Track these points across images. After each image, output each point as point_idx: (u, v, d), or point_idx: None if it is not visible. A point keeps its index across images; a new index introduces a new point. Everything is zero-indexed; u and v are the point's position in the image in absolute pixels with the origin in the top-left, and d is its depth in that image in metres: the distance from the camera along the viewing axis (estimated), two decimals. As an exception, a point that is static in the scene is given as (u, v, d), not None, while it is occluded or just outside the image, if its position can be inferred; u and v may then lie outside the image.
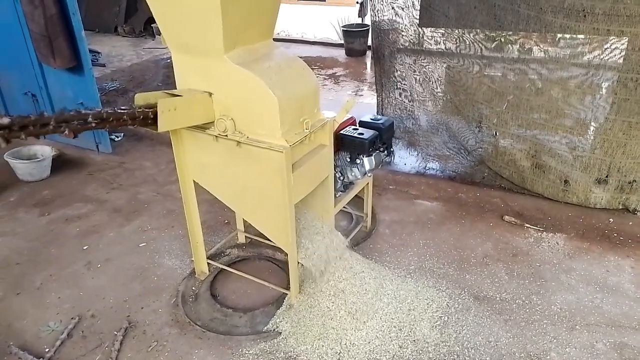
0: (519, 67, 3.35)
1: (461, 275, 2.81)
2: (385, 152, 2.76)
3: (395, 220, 3.37)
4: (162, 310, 2.58)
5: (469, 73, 3.53)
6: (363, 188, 3.04)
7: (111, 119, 1.79)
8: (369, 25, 6.39)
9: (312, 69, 2.30)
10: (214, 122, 2.18)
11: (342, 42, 8.56)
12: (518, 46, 3.35)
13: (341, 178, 2.67)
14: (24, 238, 3.26)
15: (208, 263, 2.80)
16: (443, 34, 3.61)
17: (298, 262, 2.43)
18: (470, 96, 3.58)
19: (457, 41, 3.53)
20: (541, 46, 3.25)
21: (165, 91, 2.09)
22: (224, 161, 2.27)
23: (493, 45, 3.42)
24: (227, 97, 2.12)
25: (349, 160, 2.61)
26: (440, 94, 3.76)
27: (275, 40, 2.36)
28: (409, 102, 3.94)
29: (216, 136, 2.20)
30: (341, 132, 2.57)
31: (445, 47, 3.62)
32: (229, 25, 1.94)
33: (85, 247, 3.14)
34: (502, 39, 3.43)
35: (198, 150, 2.35)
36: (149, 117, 1.92)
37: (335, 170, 2.62)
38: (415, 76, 3.75)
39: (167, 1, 1.99)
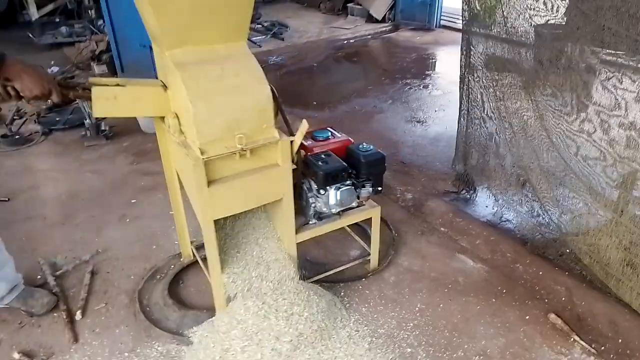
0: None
1: (431, 365, 2.23)
2: (371, 189, 2.31)
3: (414, 269, 2.83)
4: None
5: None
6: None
7: None
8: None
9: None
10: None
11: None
12: None
13: (313, 206, 2.35)
14: (104, 179, 3.85)
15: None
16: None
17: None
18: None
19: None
20: None
21: (125, 79, 2.15)
22: (179, 154, 2.23)
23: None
24: (174, 95, 2.07)
25: (316, 189, 2.28)
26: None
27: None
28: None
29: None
30: (309, 155, 2.25)
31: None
32: (167, 22, 1.87)
33: (133, 201, 3.55)
34: None
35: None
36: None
37: (308, 195, 2.33)
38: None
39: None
